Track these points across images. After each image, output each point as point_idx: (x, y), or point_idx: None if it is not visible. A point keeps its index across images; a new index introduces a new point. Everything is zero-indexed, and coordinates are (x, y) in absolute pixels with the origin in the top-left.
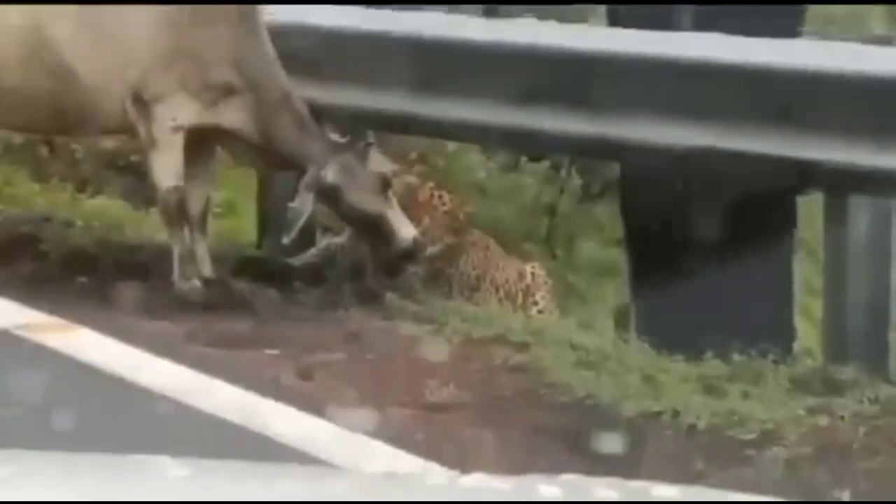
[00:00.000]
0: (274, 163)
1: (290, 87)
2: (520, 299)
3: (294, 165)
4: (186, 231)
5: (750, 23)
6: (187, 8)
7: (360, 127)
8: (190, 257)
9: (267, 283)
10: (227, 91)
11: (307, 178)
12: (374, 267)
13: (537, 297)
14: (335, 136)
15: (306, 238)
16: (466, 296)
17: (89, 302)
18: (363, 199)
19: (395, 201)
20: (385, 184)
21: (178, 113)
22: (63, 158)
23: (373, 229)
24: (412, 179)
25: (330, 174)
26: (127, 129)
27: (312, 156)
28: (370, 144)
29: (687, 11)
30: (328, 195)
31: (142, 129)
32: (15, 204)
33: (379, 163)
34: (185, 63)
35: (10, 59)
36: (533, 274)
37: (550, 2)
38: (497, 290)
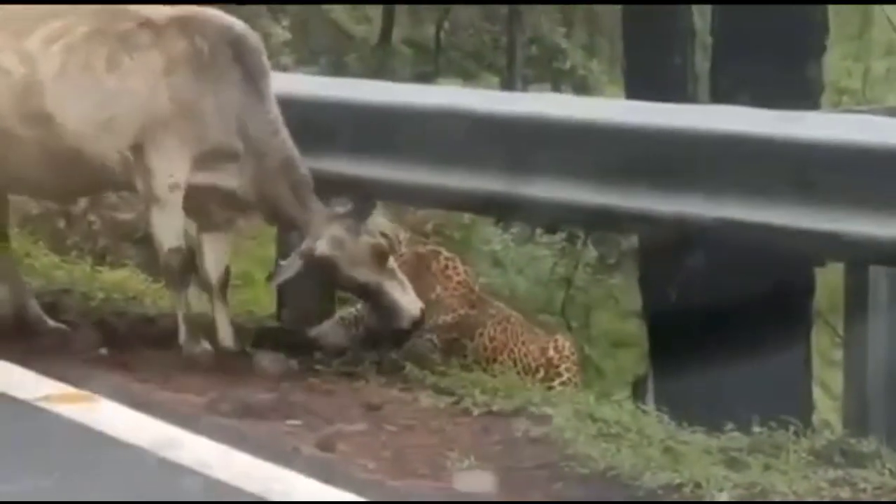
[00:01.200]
0: (271, 220)
1: (294, 153)
2: (541, 373)
3: (291, 229)
4: (191, 294)
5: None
6: (190, 67)
7: (367, 195)
8: (197, 321)
9: (287, 353)
10: (228, 154)
11: (302, 246)
12: (380, 339)
13: (561, 369)
14: (338, 206)
15: (326, 309)
16: (484, 367)
17: (110, 373)
18: (358, 271)
19: (396, 272)
20: (380, 255)
21: (175, 170)
22: (80, 230)
23: (373, 301)
24: (423, 249)
25: (320, 246)
26: (129, 185)
27: (307, 225)
28: (371, 210)
29: (703, 84)
30: (321, 266)
31: (140, 184)
32: (35, 276)
33: (382, 227)
34: (185, 122)
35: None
36: (557, 347)
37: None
38: (515, 363)
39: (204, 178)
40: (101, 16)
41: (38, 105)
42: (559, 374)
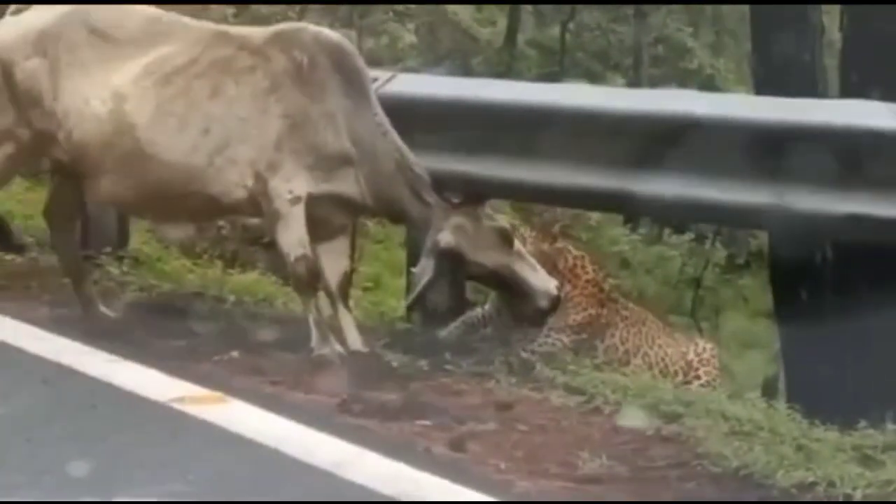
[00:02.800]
0: (396, 220)
1: (405, 151)
2: (679, 377)
3: (415, 228)
4: (322, 299)
5: None
6: (294, 81)
7: (473, 190)
8: (327, 325)
9: (417, 355)
10: (342, 161)
11: (426, 243)
12: (516, 323)
13: (701, 373)
14: (451, 198)
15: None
16: (616, 367)
17: (242, 375)
18: (486, 256)
19: (524, 254)
20: (506, 237)
21: (294, 185)
22: (209, 236)
23: (505, 285)
24: (548, 247)
25: (444, 237)
26: (251, 209)
27: (429, 221)
28: (481, 204)
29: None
30: (449, 258)
31: (264, 206)
32: (166, 280)
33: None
34: (298, 136)
35: (95, 146)
36: (697, 351)
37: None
38: (651, 367)
39: (323, 188)
40: (197, 44)
41: (132, 145)
42: (698, 378)
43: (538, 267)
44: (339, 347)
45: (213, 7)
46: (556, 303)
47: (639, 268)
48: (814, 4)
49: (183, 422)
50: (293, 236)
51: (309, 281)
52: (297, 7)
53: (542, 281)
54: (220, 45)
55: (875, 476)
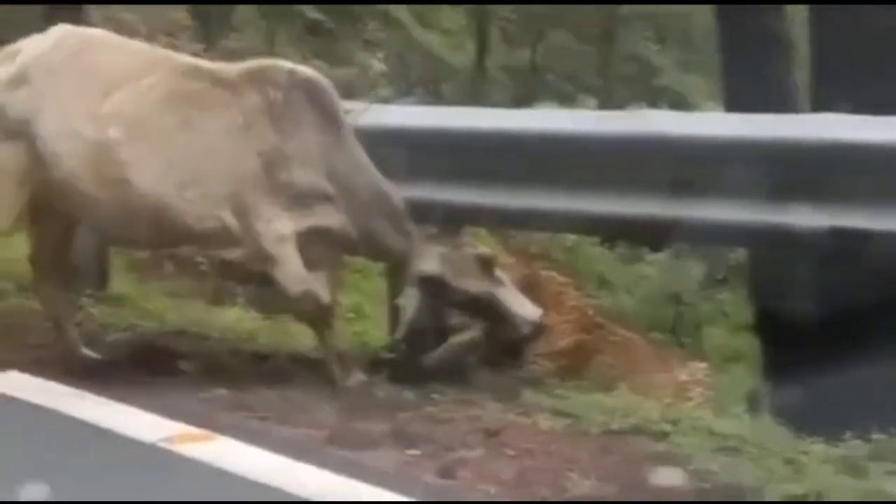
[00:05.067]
0: (375, 256)
1: (384, 184)
2: (669, 399)
3: (394, 260)
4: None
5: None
6: (268, 118)
7: (450, 218)
8: (342, 354)
9: (402, 383)
10: (320, 197)
11: (408, 273)
12: (498, 353)
13: (692, 393)
14: (429, 229)
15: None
16: (602, 392)
17: (229, 412)
18: (468, 284)
19: (506, 280)
20: (487, 264)
21: (278, 225)
22: (189, 272)
23: (488, 312)
24: (527, 272)
25: (426, 266)
26: (224, 240)
27: (410, 251)
28: (459, 232)
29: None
30: (432, 286)
31: (252, 246)
32: (149, 319)
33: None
34: (274, 173)
35: (84, 181)
36: (689, 372)
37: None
38: (638, 391)
39: (305, 224)
40: (174, 76)
41: (114, 172)
42: (689, 399)
43: (520, 294)
44: (363, 376)
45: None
46: (539, 330)
47: (618, 286)
48: (780, 18)
49: (173, 461)
50: (290, 275)
51: (319, 315)
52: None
53: (524, 308)
54: (195, 78)
55: (864, 485)
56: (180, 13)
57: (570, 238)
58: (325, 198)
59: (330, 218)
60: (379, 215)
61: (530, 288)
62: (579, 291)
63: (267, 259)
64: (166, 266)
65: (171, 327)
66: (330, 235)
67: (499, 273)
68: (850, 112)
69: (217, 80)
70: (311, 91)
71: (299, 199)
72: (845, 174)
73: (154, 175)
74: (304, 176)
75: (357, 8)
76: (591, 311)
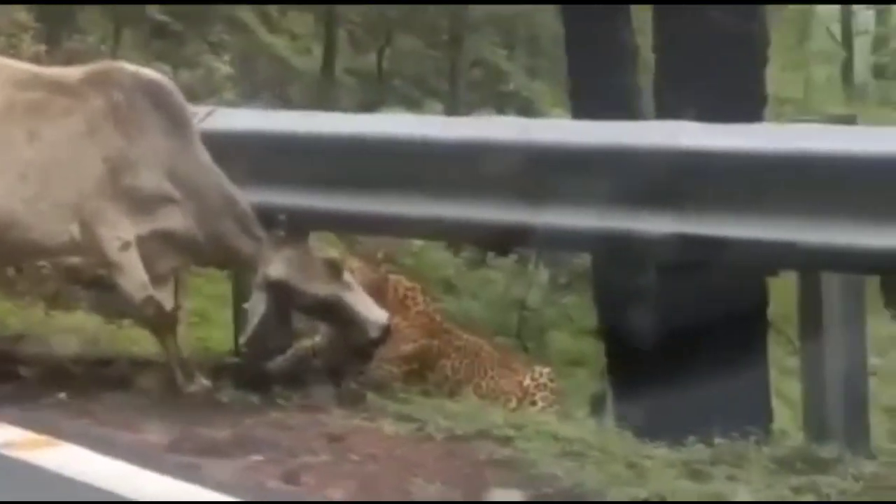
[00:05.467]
0: (224, 262)
1: (231, 189)
2: (514, 403)
3: (243, 265)
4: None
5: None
6: (111, 122)
7: (297, 223)
8: (185, 359)
9: (247, 389)
10: (164, 200)
11: (256, 277)
12: (346, 356)
13: (537, 398)
14: (275, 234)
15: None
16: (447, 396)
17: (70, 417)
18: (316, 288)
19: (353, 284)
20: (335, 269)
21: (120, 231)
22: (30, 276)
23: (335, 316)
24: (376, 276)
25: (275, 270)
26: (75, 252)
27: (258, 255)
28: (306, 237)
29: (648, 101)
30: (280, 290)
31: (95, 252)
32: None
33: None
34: (118, 178)
35: None
36: (533, 377)
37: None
38: (483, 397)
39: (148, 227)
40: (11, 87)
41: None
42: (534, 404)
43: (367, 298)
44: (206, 382)
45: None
46: (385, 333)
47: (463, 291)
48: (626, 24)
49: (14, 467)
50: (133, 281)
51: (161, 321)
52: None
53: (371, 312)
54: (35, 87)
55: (705, 489)
56: (22, 14)
57: (417, 243)
58: (171, 201)
59: (175, 222)
60: (226, 219)
61: (377, 292)
62: (426, 296)
63: (110, 265)
64: (7, 270)
65: (11, 332)
66: (175, 239)
67: (347, 277)
68: (694, 117)
69: (58, 87)
70: (155, 94)
71: (144, 204)
72: (689, 181)
73: (4, 191)
74: (150, 180)
75: (203, 10)
76: (437, 317)
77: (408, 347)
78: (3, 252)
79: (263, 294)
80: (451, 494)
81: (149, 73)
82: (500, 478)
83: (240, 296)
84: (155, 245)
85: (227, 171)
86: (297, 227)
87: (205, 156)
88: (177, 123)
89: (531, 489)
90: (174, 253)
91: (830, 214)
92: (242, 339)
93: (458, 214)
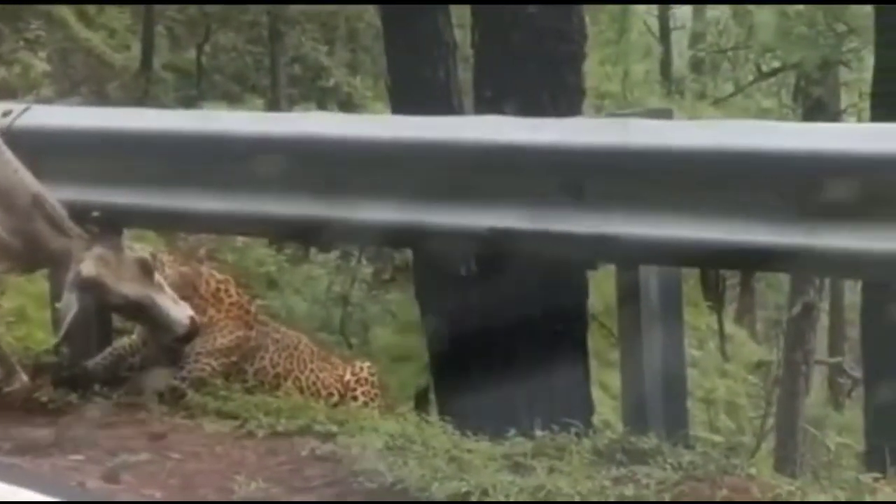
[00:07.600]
0: (39, 263)
1: (39, 187)
2: (335, 398)
3: (56, 264)
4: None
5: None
6: None
7: (111, 221)
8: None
9: (66, 387)
10: None
11: (68, 276)
12: (160, 356)
13: (358, 393)
14: (89, 231)
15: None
16: (267, 391)
17: None
18: (126, 287)
19: (164, 286)
20: (146, 268)
21: None
22: None
23: (145, 316)
24: (186, 269)
25: (86, 268)
26: None
27: (70, 253)
28: (120, 234)
29: (466, 96)
30: (90, 289)
31: None
32: None
33: (138, 251)
34: None
35: None
36: (354, 372)
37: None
38: (302, 391)
39: None
40: None
41: None
42: (356, 399)
43: (174, 295)
44: (25, 380)
45: None
46: (192, 330)
47: (286, 287)
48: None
49: None
50: None
51: None
52: None
53: (176, 310)
54: None
55: (526, 482)
56: None
57: (241, 239)
58: None
59: None
60: (37, 218)
61: (189, 286)
62: (240, 288)
63: None
64: None
65: None
66: None
67: (157, 277)
68: (513, 112)
69: None
70: None
71: None
72: (506, 176)
73: None
74: None
75: (19, 6)
76: (252, 308)
77: (224, 340)
78: None
79: (75, 293)
80: (273, 491)
81: None
82: (323, 474)
83: (57, 295)
84: None
85: (43, 168)
86: (111, 224)
87: (8, 154)
88: None
89: (353, 485)
90: None
91: (648, 207)
92: (57, 338)
93: (272, 210)
